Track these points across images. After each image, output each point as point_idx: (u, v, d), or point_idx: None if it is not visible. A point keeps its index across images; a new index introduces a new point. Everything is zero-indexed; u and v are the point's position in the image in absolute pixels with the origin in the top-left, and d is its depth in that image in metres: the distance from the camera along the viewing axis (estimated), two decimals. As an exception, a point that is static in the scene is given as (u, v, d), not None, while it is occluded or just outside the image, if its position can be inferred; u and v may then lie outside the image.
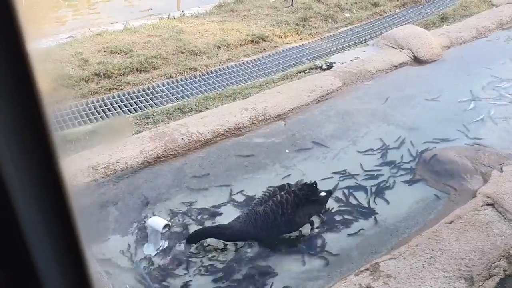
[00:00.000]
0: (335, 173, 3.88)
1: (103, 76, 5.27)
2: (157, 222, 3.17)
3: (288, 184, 3.40)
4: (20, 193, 0.57)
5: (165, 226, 3.17)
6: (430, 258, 2.86)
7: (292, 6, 7.29)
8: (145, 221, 3.30)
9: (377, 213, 3.49)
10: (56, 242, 0.63)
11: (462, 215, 3.21)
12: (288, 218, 3.20)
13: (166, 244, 3.18)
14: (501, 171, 3.74)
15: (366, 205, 3.57)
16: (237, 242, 3.22)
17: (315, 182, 3.42)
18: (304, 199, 3.26)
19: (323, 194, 3.43)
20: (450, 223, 3.15)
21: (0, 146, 0.54)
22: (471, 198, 3.49)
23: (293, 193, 3.25)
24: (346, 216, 3.47)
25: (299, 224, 3.29)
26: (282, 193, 3.26)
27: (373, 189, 3.73)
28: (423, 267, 2.81)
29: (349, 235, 3.31)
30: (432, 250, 2.92)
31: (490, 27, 6.48)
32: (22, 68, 0.53)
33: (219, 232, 3.19)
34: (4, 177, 0.55)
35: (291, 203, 3.21)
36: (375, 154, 4.12)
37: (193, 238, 3.16)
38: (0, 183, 0.55)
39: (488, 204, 3.31)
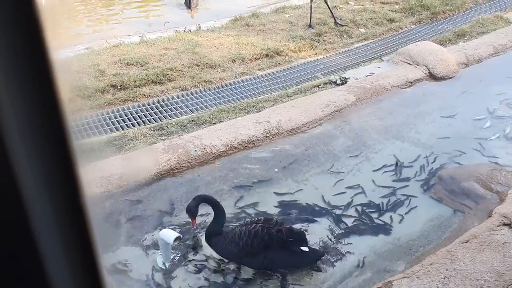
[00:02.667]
0: (348, 187, 3.85)
1: (118, 87, 5.33)
2: (168, 234, 3.16)
3: (277, 220, 3.12)
4: (37, 202, 0.57)
5: (176, 239, 3.16)
6: (444, 278, 2.80)
7: (312, 27, 7.25)
8: (156, 233, 3.30)
9: (390, 231, 3.45)
10: (71, 251, 0.63)
11: (477, 235, 3.15)
12: (250, 251, 2.97)
13: (177, 256, 3.17)
14: (518, 190, 3.67)
15: (380, 222, 3.53)
16: None
17: (302, 232, 3.12)
18: (278, 243, 2.96)
19: (305, 249, 3.01)
20: (465, 242, 3.09)
21: (19, 152, 0.54)
22: (487, 217, 3.43)
23: (267, 230, 2.97)
24: (358, 233, 3.43)
25: (261, 265, 3.02)
26: (258, 225, 3.01)
27: (387, 206, 3.68)
28: (437, 287, 2.75)
29: (362, 252, 3.26)
30: (447, 269, 2.86)
31: (507, 44, 6.42)
32: (45, 76, 0.54)
33: (217, 227, 3.15)
34: (21, 185, 0.55)
35: (259, 238, 2.95)
36: (389, 171, 4.08)
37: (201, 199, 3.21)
38: (17, 192, 0.55)
39: (504, 224, 3.24)
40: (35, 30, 0.52)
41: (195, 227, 3.31)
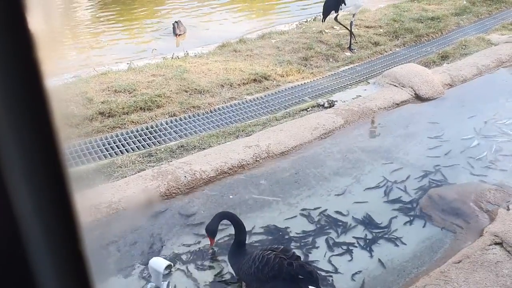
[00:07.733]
0: (337, 212, 3.83)
1: (107, 115, 5.31)
2: (159, 262, 3.11)
3: (294, 253, 2.95)
4: (33, 230, 0.57)
5: (167, 267, 3.11)
6: (438, 299, 2.78)
7: (352, 50, 7.52)
8: (146, 262, 3.24)
9: (382, 253, 3.43)
10: (67, 280, 0.62)
11: (470, 255, 3.15)
12: (260, 277, 2.84)
13: (168, 285, 3.11)
14: (508, 209, 3.69)
15: (371, 244, 3.51)
16: None
17: (314, 271, 2.91)
18: (286, 276, 2.81)
19: None
20: (458, 262, 3.09)
21: (15, 181, 0.54)
22: (478, 237, 3.43)
23: (279, 260, 2.82)
24: (350, 255, 3.40)
25: None
26: (273, 252, 2.88)
27: (377, 227, 3.67)
28: (432, 308, 2.73)
29: (354, 275, 3.23)
30: (441, 291, 2.85)
31: (490, 65, 6.55)
32: (39, 103, 0.54)
33: (240, 247, 3.12)
34: (17, 214, 0.54)
35: (270, 267, 2.82)
36: (378, 192, 4.09)
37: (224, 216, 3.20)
38: (13, 222, 0.54)
39: (496, 243, 3.25)
40: (29, 59, 0.52)
41: (212, 247, 3.32)
